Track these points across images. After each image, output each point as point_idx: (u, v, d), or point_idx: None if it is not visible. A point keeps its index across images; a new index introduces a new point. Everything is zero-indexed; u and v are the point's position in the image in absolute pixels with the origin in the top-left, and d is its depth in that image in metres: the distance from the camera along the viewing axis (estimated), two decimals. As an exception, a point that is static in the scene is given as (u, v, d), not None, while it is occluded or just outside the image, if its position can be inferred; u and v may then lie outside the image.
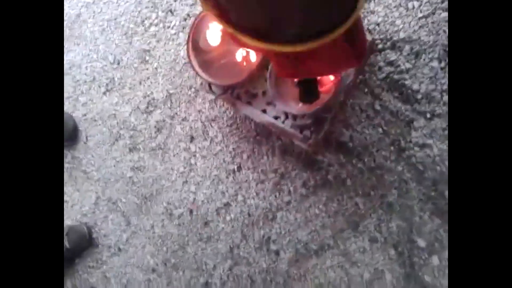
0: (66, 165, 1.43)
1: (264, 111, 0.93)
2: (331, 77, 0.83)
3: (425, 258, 0.86)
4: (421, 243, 0.86)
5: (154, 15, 1.27)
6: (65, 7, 1.47)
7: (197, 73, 0.94)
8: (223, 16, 0.40)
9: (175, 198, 1.21)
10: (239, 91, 0.97)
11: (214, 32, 0.94)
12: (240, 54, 0.92)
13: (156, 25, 1.27)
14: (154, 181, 1.25)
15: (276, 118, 0.91)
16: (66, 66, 1.44)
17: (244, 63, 0.92)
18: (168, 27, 1.25)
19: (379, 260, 0.90)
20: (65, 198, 1.43)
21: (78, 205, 1.39)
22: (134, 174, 1.29)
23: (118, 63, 1.34)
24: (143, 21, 1.30)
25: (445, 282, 0.81)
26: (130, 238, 1.29)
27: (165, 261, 1.20)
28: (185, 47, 0.96)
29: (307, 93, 0.67)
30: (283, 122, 0.90)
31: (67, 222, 1.39)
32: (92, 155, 1.38)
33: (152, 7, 1.28)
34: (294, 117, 0.86)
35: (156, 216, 1.24)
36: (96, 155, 1.36)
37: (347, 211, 0.95)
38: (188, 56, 0.96)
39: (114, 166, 1.33)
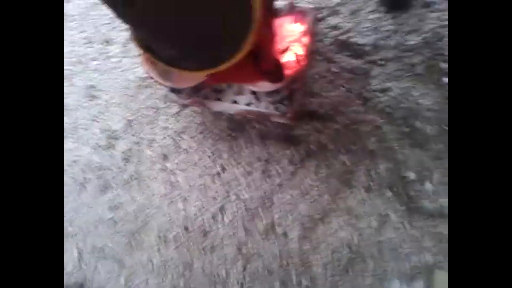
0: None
1: (235, 102, 1.01)
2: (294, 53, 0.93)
3: (419, 189, 0.98)
4: (411, 175, 0.99)
5: (91, 50, 1.31)
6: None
7: (159, 83, 1.00)
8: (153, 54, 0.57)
9: (164, 222, 1.23)
10: (205, 91, 1.04)
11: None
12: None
13: (95, 59, 1.31)
14: (137, 213, 1.26)
15: (248, 104, 1.00)
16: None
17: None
18: (109, 57, 1.29)
19: (380, 205, 1.00)
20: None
21: (60, 267, 1.34)
22: (114, 214, 1.29)
23: (65, 107, 1.34)
24: (80, 59, 1.33)
25: (444, 200, 0.94)
26: (128, 281, 1.27)
27: (174, 287, 1.20)
28: (141, 64, 1.01)
29: (275, 78, 0.79)
30: (257, 105, 0.98)
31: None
32: (64, 209, 1.34)
33: (87, 42, 1.32)
34: (268, 96, 0.95)
35: (149, 248, 1.24)
36: (66, 208, 1.33)
37: (337, 171, 1.05)
38: (146, 70, 1.01)
39: (88, 212, 1.31)
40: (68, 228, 1.33)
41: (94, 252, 1.30)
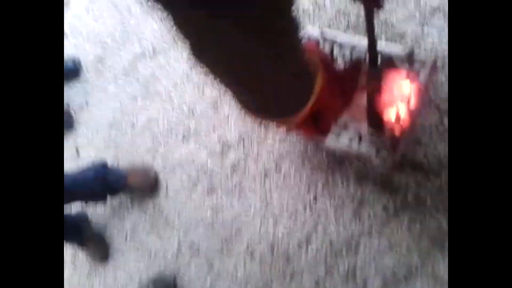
0: (148, 215, 1.66)
1: (339, 135, 1.07)
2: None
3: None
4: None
5: (221, 66, 1.52)
6: (139, 68, 1.80)
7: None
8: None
9: (255, 235, 1.36)
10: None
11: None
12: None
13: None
14: (233, 220, 1.42)
15: (350, 141, 1.05)
16: (143, 122, 1.73)
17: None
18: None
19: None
20: (149, 247, 1.64)
21: (161, 253, 1.59)
22: (214, 216, 1.47)
23: (193, 112, 1.59)
24: (212, 72, 1.55)
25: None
26: (213, 282, 1.44)
27: (251, 301, 1.33)
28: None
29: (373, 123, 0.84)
30: (358, 144, 1.03)
31: (152, 271, 1.58)
32: (173, 202, 1.60)
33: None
34: (372, 137, 0.98)
35: (237, 256, 1.39)
36: (176, 202, 1.58)
37: (431, 231, 1.02)
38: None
39: (194, 210, 1.53)
40: (175, 220, 1.58)
41: (191, 248, 1.51)
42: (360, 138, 1.03)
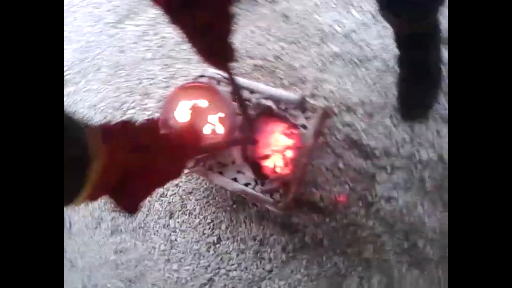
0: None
1: (235, 179, 1.04)
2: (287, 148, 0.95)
3: (409, 314, 0.91)
4: (404, 297, 0.92)
5: (131, 99, 1.45)
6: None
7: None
8: None
9: (159, 278, 1.26)
10: (210, 162, 1.09)
11: (183, 110, 1.09)
12: (208, 128, 1.06)
13: (133, 108, 1.44)
14: (137, 262, 1.31)
15: (246, 185, 1.02)
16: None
17: (212, 136, 1.05)
18: (145, 109, 1.41)
19: (366, 321, 0.94)
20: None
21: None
22: (118, 257, 1.35)
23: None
24: (121, 105, 1.47)
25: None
26: (115, 327, 1.31)
27: None
28: (158, 127, 1.10)
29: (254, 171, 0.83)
30: (253, 188, 1.00)
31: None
32: (76, 242, 1.45)
33: (129, 92, 1.46)
34: (262, 182, 0.97)
35: (140, 300, 1.28)
36: (80, 242, 1.43)
37: (328, 272, 1.01)
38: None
39: (98, 251, 1.39)
40: (78, 261, 1.43)
41: (93, 291, 1.36)
42: (256, 183, 1.01)
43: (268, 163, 0.91)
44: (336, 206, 1.01)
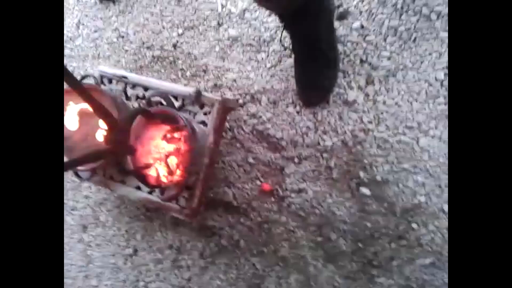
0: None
1: (138, 187, 0.91)
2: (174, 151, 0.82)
3: (329, 310, 0.84)
4: (322, 294, 0.85)
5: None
6: None
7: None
8: None
9: (78, 297, 1.13)
10: (111, 171, 0.95)
11: (71, 116, 0.93)
12: (100, 134, 0.91)
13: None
14: (54, 282, 1.17)
15: (151, 192, 0.90)
16: None
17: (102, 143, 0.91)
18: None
19: (285, 322, 0.86)
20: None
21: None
22: (33, 279, 1.20)
23: None
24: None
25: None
26: None
27: None
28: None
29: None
30: (158, 196, 0.88)
31: None
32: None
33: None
34: (162, 191, 0.85)
35: (62, 323, 1.14)
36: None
37: (246, 274, 0.92)
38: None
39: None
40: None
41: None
42: (162, 189, 0.89)
43: (151, 172, 0.79)
44: (250, 204, 0.91)
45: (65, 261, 1.17)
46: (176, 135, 0.77)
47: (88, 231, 1.13)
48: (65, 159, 0.94)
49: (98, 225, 1.12)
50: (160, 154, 0.79)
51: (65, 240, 1.17)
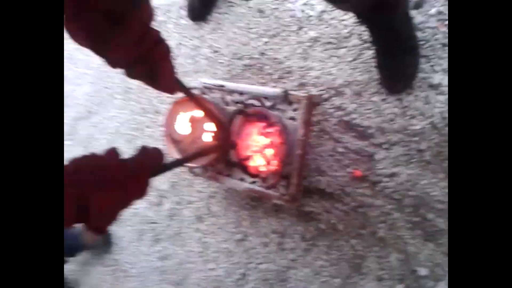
0: (109, 269, 1.59)
1: (242, 179, 1.03)
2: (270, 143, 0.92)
3: (432, 286, 0.85)
4: (423, 271, 0.86)
5: (145, 119, 1.47)
6: (78, 130, 1.73)
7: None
8: None
9: (200, 278, 1.30)
10: (219, 166, 1.08)
11: (182, 123, 1.08)
12: (206, 136, 1.04)
13: (149, 126, 1.46)
14: (180, 266, 1.36)
15: (253, 183, 1.00)
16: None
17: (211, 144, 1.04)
18: (159, 125, 1.43)
19: (389, 299, 0.90)
20: (113, 298, 1.57)
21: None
22: (162, 263, 1.41)
23: (129, 167, 1.52)
24: (139, 125, 1.50)
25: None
26: (173, 326, 1.37)
27: None
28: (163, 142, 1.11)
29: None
30: (260, 185, 0.98)
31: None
32: (126, 253, 1.53)
33: (142, 112, 1.48)
34: (263, 180, 0.95)
35: (189, 300, 1.33)
36: (129, 253, 1.51)
37: (347, 255, 0.97)
38: (167, 148, 1.10)
39: (145, 259, 1.46)
40: (132, 270, 1.51)
41: (148, 297, 1.44)
42: (262, 179, 0.99)
43: (251, 163, 0.89)
44: (343, 190, 0.96)
45: (185, 248, 1.34)
46: (269, 130, 0.86)
47: (203, 221, 1.29)
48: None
49: (211, 216, 1.27)
50: (258, 147, 0.88)
51: (184, 230, 1.34)
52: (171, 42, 1.35)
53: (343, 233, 0.98)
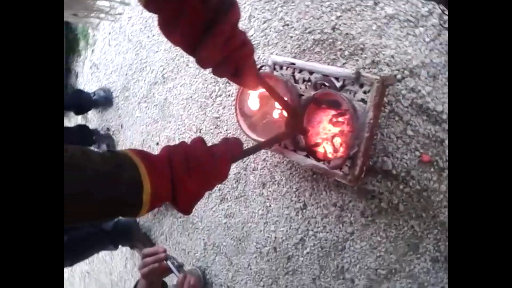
0: (179, 220, 1.75)
1: (307, 155, 1.05)
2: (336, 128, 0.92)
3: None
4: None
5: (217, 88, 1.52)
6: (155, 94, 1.85)
7: (247, 135, 1.13)
8: None
9: (261, 237, 1.38)
10: (285, 142, 1.11)
11: (253, 99, 1.11)
12: (276, 112, 1.07)
13: (220, 95, 1.52)
14: (243, 224, 1.45)
15: (318, 160, 1.02)
16: (164, 140, 1.79)
17: (281, 119, 1.06)
18: (229, 95, 1.48)
19: (444, 279, 0.90)
20: (182, 247, 1.74)
21: (192, 251, 1.68)
22: (227, 220, 1.52)
23: (200, 131, 1.61)
24: (211, 94, 1.56)
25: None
26: (234, 276, 1.50)
27: (263, 294, 1.37)
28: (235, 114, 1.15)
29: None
30: (325, 163, 1.00)
31: (187, 267, 1.69)
32: (195, 209, 1.66)
33: (214, 81, 1.53)
34: (328, 161, 0.96)
35: (250, 255, 1.43)
36: (198, 209, 1.64)
37: (405, 234, 0.98)
38: (238, 122, 1.15)
39: (212, 216, 1.58)
40: (199, 224, 1.65)
41: (214, 247, 1.57)
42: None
43: (319, 149, 0.90)
44: (409, 173, 0.95)
45: (249, 209, 1.43)
46: (340, 119, 0.86)
47: (266, 187, 1.35)
48: (249, 133, 1.14)
49: (274, 183, 1.32)
50: (327, 135, 0.89)
51: (249, 193, 1.42)
52: (243, 14, 1.35)
53: (403, 214, 0.98)
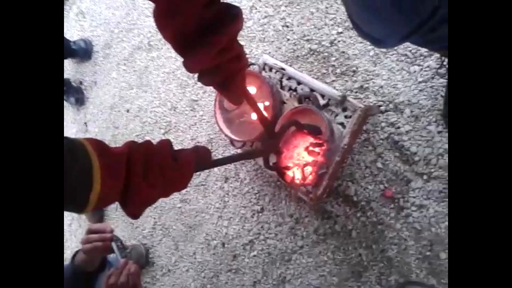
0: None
1: (274, 163, 1.03)
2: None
3: (422, 318, 0.86)
4: (418, 302, 0.87)
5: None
6: (136, 59, 1.76)
7: (220, 129, 1.09)
8: None
9: (212, 230, 1.37)
10: (257, 144, 1.09)
11: (235, 94, 1.08)
12: (254, 114, 1.04)
13: (203, 78, 1.47)
14: (197, 213, 1.43)
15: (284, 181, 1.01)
16: (136, 109, 1.73)
17: (257, 122, 1.04)
18: (212, 80, 1.43)
19: (378, 313, 0.92)
20: (131, 220, 1.69)
21: (140, 227, 1.64)
22: (182, 205, 1.49)
23: (175, 109, 1.56)
24: (194, 75, 1.50)
25: None
26: (177, 261, 1.48)
27: (202, 286, 1.36)
28: (213, 106, 1.12)
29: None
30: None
31: (132, 241, 1.65)
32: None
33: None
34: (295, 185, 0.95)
35: (197, 244, 1.41)
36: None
37: (352, 261, 0.99)
38: (215, 113, 1.11)
39: (168, 198, 1.54)
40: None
41: (163, 228, 1.54)
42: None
43: (289, 173, 0.89)
44: (369, 203, 0.95)
45: (207, 199, 1.40)
46: (317, 149, 0.85)
47: (228, 182, 1.33)
48: (224, 128, 1.10)
49: (237, 180, 1.30)
50: (300, 161, 0.88)
51: (210, 184, 1.39)
52: (246, 3, 1.31)
53: (354, 240, 0.99)
